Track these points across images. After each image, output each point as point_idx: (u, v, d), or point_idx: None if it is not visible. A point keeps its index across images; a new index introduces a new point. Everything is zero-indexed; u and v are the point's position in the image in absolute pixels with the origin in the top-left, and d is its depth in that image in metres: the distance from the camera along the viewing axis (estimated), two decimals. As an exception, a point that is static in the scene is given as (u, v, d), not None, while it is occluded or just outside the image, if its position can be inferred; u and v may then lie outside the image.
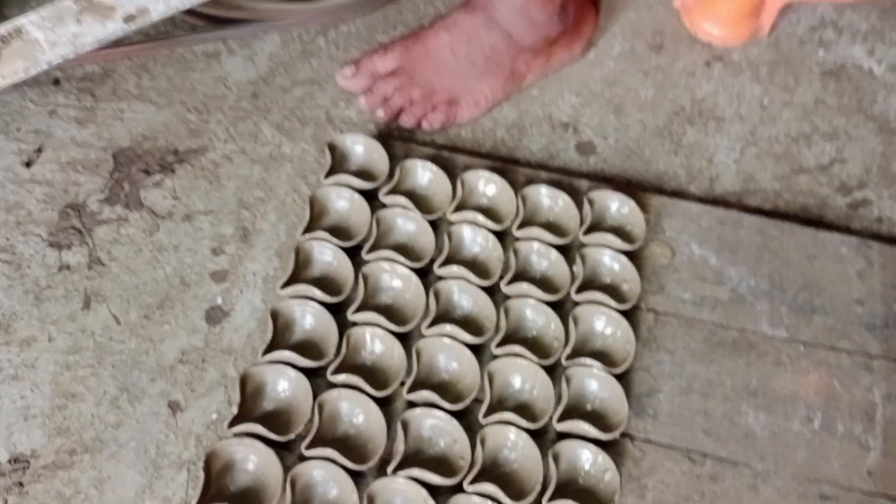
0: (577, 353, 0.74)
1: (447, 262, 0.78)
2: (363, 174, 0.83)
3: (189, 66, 0.91)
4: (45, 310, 0.77)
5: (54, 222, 0.81)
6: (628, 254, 0.79)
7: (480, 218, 0.80)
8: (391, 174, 0.83)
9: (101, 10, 0.69)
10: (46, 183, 0.83)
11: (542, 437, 0.71)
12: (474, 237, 0.80)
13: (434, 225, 0.81)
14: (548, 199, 0.82)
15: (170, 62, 0.91)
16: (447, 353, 0.74)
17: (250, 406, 0.70)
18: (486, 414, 0.70)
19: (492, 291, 0.77)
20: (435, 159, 0.85)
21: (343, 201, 0.82)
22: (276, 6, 0.94)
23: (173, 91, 0.89)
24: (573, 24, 0.91)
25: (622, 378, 0.72)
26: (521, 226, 0.80)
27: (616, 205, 0.82)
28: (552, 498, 0.66)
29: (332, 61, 0.93)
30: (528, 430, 0.69)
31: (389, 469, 0.67)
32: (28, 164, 0.84)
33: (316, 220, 0.81)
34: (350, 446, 0.69)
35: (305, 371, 0.72)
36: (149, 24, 0.71)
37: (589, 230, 0.80)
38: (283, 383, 0.71)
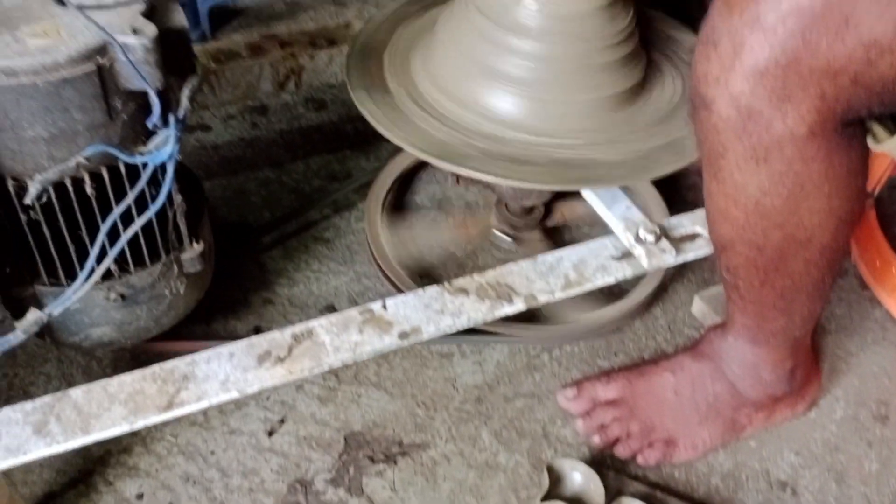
0: None
1: None
2: (577, 502, 0.84)
3: (424, 362, 0.99)
4: (259, 583, 0.80)
5: (282, 495, 0.86)
6: None
7: (695, 576, 0.78)
8: (605, 508, 0.84)
9: (381, 323, 0.78)
10: (283, 454, 0.89)
11: None
12: None
13: (644, 571, 0.79)
14: (767, 568, 0.80)
15: (408, 356, 0.99)
16: None
17: None
18: None
19: None
20: (648, 499, 0.85)
21: (555, 528, 0.82)
22: (508, 325, 1.01)
23: (407, 384, 0.96)
24: (799, 385, 0.92)
25: None
26: (737, 593, 0.77)
27: (841, 590, 0.78)
28: None
29: (553, 378, 0.98)
30: None
31: None
32: (270, 433, 0.91)
33: (526, 541, 0.82)
34: None
35: None
36: (419, 342, 0.78)
37: None
38: None
